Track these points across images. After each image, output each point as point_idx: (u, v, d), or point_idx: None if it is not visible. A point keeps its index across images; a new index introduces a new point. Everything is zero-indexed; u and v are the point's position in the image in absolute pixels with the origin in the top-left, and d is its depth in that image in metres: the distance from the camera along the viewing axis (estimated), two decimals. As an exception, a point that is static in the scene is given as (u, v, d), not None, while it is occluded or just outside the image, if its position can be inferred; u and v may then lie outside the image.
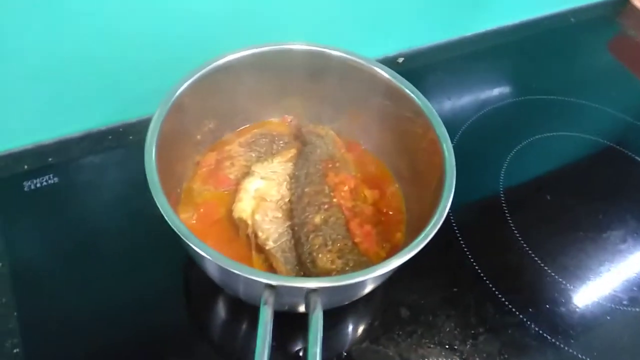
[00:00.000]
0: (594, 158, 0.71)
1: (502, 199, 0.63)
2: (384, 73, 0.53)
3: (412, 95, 0.52)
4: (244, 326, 0.50)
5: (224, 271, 0.38)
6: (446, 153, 0.47)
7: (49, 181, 0.56)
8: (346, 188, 0.52)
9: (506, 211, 0.62)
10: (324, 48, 0.54)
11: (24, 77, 0.54)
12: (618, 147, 0.71)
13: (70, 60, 0.55)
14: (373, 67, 0.54)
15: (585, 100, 0.76)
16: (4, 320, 0.47)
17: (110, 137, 0.62)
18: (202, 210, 0.51)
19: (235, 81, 0.53)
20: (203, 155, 0.55)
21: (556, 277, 0.57)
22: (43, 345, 0.47)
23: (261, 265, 0.48)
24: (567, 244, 0.60)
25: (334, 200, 0.51)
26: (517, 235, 0.59)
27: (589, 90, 0.78)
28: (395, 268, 0.40)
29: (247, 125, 0.59)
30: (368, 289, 0.44)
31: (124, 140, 0.62)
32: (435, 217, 0.43)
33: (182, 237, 0.39)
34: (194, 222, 0.50)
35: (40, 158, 0.59)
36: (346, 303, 0.46)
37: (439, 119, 0.49)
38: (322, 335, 0.36)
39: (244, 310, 0.50)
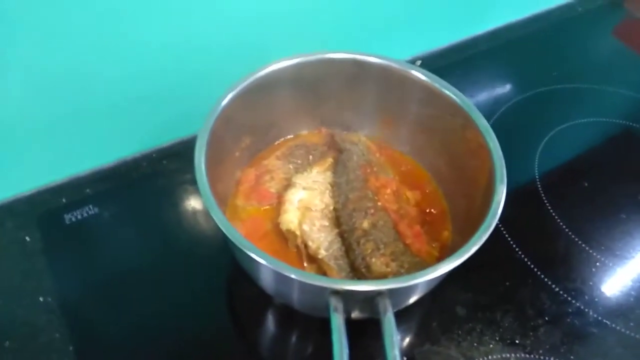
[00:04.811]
0: (619, 140, 0.71)
1: (540, 189, 0.62)
2: (420, 74, 0.53)
3: (447, 92, 0.52)
4: (296, 338, 0.50)
5: (284, 280, 0.38)
6: (491, 144, 0.47)
7: (89, 212, 0.56)
8: (389, 191, 0.52)
9: (545, 201, 0.61)
10: (361, 55, 0.54)
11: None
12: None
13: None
14: (407, 69, 0.54)
15: (600, 85, 0.77)
16: (61, 355, 0.47)
17: (144, 164, 0.62)
18: (248, 225, 0.51)
19: (271, 94, 0.53)
20: (242, 171, 0.55)
21: (605, 261, 0.56)
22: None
23: (315, 276, 0.48)
24: (611, 228, 0.60)
25: (379, 204, 0.51)
26: (560, 223, 0.59)
27: (599, 75, 0.79)
28: (460, 263, 0.39)
29: (281, 140, 0.59)
30: (430, 287, 0.44)
31: (159, 166, 0.62)
32: (491, 210, 0.43)
33: (241, 247, 0.38)
34: (242, 237, 0.50)
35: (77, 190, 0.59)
36: (405, 305, 0.45)
37: (479, 113, 0.50)
38: (398, 337, 0.36)
39: (296, 321, 0.50)
